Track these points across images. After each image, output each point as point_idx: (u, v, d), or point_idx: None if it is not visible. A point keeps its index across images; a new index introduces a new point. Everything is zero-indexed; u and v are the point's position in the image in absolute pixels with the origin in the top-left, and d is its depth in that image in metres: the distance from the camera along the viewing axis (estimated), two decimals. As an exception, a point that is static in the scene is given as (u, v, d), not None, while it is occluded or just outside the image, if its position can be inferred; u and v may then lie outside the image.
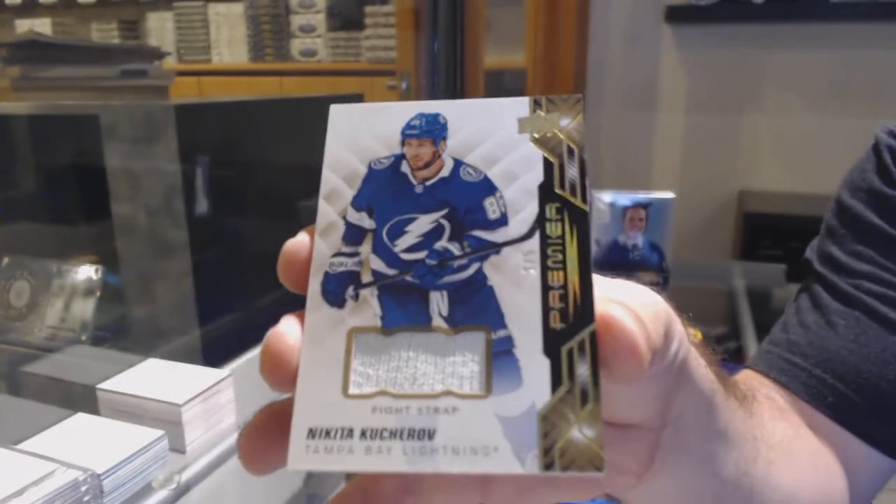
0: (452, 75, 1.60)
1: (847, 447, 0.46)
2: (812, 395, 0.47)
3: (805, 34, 2.01)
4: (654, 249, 0.80)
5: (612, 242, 0.80)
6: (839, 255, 0.50)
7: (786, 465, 0.38)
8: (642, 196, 0.80)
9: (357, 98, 1.37)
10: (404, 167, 0.23)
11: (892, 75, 1.94)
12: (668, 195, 0.80)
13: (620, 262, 0.80)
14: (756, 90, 2.08)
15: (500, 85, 2.34)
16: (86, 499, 0.54)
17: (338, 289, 0.21)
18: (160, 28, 2.95)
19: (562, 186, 0.22)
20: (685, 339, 0.25)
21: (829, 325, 0.48)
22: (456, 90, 1.61)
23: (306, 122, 1.11)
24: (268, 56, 2.79)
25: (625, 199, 0.80)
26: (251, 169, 1.03)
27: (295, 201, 1.07)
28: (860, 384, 0.46)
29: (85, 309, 0.89)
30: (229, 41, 2.86)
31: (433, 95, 1.63)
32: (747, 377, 0.49)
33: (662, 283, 0.80)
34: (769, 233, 1.84)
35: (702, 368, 0.27)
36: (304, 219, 1.09)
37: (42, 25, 2.90)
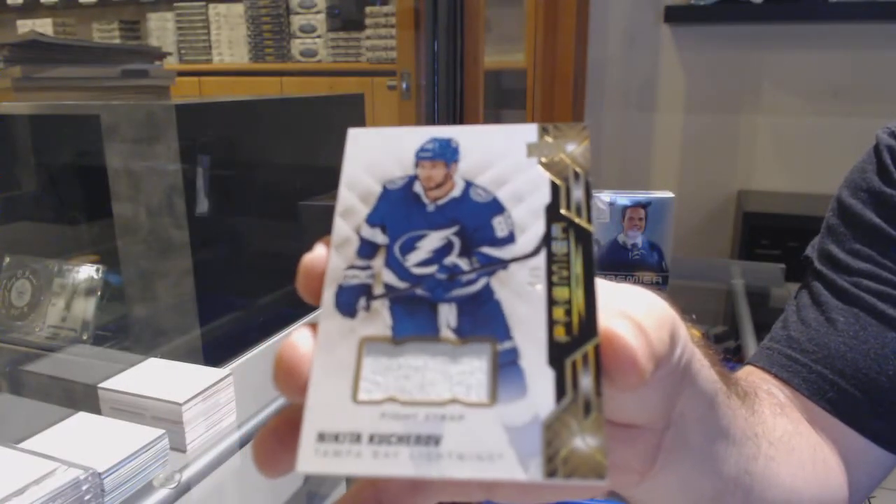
0: (452, 75, 1.60)
1: (846, 442, 0.46)
2: (812, 390, 0.47)
3: (804, 34, 2.01)
4: (654, 249, 0.80)
5: (611, 242, 0.80)
6: (839, 253, 0.51)
7: (786, 460, 0.38)
8: (642, 196, 0.80)
9: (357, 98, 1.37)
10: (417, 187, 0.23)
11: (891, 75, 1.95)
12: (668, 195, 0.80)
13: (620, 262, 0.80)
14: (755, 90, 2.09)
15: (500, 85, 2.34)
16: (87, 497, 0.54)
17: (350, 300, 0.22)
18: (161, 28, 2.96)
19: (567, 207, 0.22)
20: (689, 341, 0.25)
21: (828, 322, 0.49)
22: (456, 90, 1.61)
23: (307, 122, 1.12)
24: (268, 56, 2.79)
25: (624, 198, 0.80)
26: (252, 169, 1.03)
27: (295, 201, 1.07)
28: (860, 380, 0.46)
29: (86, 308, 0.89)
30: (230, 41, 2.86)
31: (433, 96, 1.62)
32: (748, 373, 0.50)
33: (662, 283, 0.80)
34: (768, 232, 1.84)
35: (705, 369, 0.28)
36: (305, 219, 1.09)
37: (43, 26, 2.90)
